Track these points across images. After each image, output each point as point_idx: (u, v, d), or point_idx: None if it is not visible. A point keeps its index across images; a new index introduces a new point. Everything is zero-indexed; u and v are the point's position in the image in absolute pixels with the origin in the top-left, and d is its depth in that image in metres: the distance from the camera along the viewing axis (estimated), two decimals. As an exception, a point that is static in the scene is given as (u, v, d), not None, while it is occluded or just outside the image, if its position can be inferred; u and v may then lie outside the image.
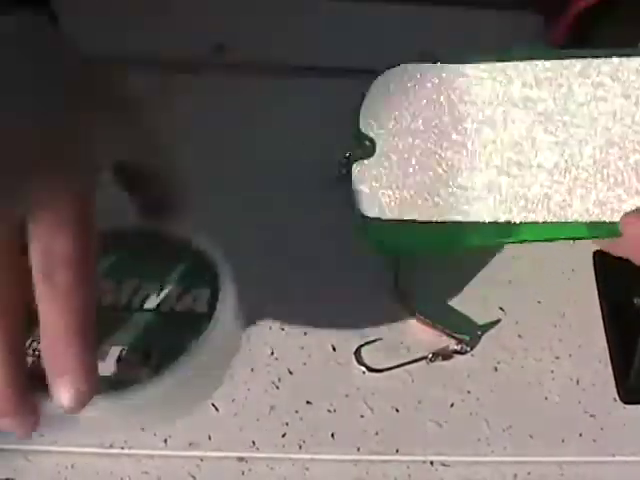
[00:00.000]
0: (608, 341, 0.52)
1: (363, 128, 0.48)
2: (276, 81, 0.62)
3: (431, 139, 0.47)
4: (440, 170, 0.47)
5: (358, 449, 0.48)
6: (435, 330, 0.52)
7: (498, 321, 0.53)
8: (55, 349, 0.36)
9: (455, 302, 0.54)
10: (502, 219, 0.47)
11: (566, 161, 0.46)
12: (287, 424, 0.49)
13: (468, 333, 0.52)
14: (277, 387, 0.50)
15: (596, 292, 0.54)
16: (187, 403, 0.43)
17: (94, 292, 0.37)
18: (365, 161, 0.47)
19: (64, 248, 0.36)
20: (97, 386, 0.37)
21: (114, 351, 0.41)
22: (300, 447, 0.48)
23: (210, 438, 0.48)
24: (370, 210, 0.47)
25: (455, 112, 0.47)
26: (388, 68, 0.48)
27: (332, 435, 0.49)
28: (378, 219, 0.47)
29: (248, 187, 0.56)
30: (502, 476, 0.48)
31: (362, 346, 0.51)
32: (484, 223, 0.47)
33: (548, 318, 0.53)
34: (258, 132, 0.59)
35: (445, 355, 0.52)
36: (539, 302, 0.54)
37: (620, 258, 0.48)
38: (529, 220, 0.46)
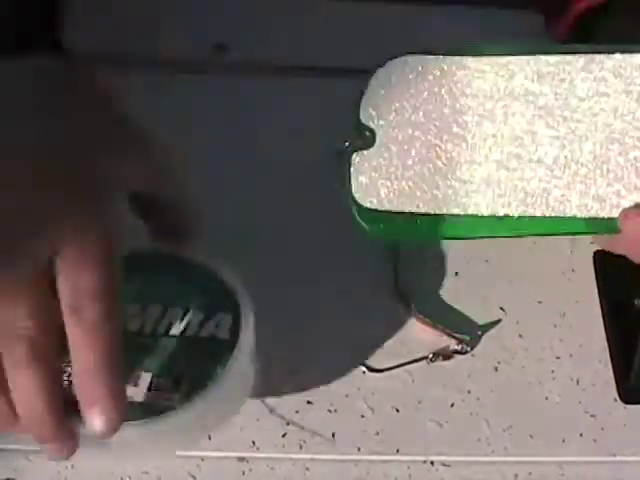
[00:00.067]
0: (608, 341, 0.52)
1: (364, 119, 0.47)
2: (276, 81, 0.62)
3: (431, 131, 0.47)
4: (439, 162, 0.47)
5: (358, 449, 0.48)
6: (435, 330, 0.52)
7: (498, 321, 0.53)
8: (86, 379, 0.38)
9: (455, 302, 0.54)
10: (501, 213, 0.47)
11: (566, 156, 0.46)
12: (287, 424, 0.49)
13: (468, 333, 0.52)
14: (277, 387, 0.50)
15: (596, 292, 0.54)
16: (214, 425, 0.45)
17: (121, 322, 0.39)
18: (365, 152, 0.47)
19: (90, 283, 0.38)
20: (126, 411, 0.39)
21: (145, 377, 0.43)
22: (300, 447, 0.48)
23: (210, 438, 0.48)
24: (368, 200, 0.47)
25: (456, 105, 0.47)
26: (390, 59, 0.48)
27: (332, 435, 0.49)
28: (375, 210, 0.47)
29: (248, 187, 0.56)
30: (502, 476, 0.48)
31: (362, 346, 0.51)
32: (482, 216, 0.47)
33: (549, 318, 0.53)
34: (258, 132, 0.59)
35: (445, 355, 0.52)
36: (540, 302, 0.54)
37: (619, 256, 0.48)
38: (527, 214, 0.46)
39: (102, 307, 0.38)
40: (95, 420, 0.38)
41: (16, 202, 0.38)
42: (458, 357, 0.52)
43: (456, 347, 0.52)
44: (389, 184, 0.47)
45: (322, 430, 0.49)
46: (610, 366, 0.52)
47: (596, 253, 0.55)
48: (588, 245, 0.55)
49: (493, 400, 0.50)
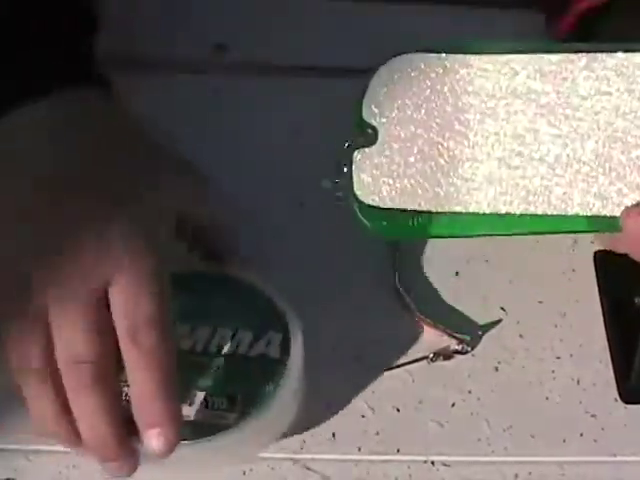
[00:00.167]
0: (609, 341, 0.52)
1: (366, 116, 0.47)
2: (276, 81, 0.62)
3: (433, 129, 0.47)
4: (441, 160, 0.47)
5: (359, 449, 0.48)
6: (436, 330, 0.52)
7: (499, 321, 0.53)
8: (144, 402, 0.40)
9: (455, 302, 0.54)
10: (502, 211, 0.47)
11: (568, 154, 0.46)
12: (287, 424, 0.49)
13: (469, 333, 0.52)
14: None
15: (597, 292, 0.54)
16: (267, 442, 0.46)
17: (175, 346, 0.41)
18: (367, 149, 0.47)
19: (145, 310, 0.40)
20: (181, 431, 0.41)
21: (199, 396, 0.44)
22: (300, 447, 0.48)
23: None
24: (370, 198, 0.47)
25: (458, 103, 0.47)
26: (392, 57, 0.48)
27: (333, 435, 0.49)
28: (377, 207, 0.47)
29: (248, 187, 0.56)
30: (503, 476, 0.48)
31: (362, 346, 0.51)
32: (484, 214, 0.47)
33: (549, 318, 0.53)
34: (258, 132, 0.59)
35: (446, 355, 0.52)
36: (540, 302, 0.54)
37: (621, 255, 0.48)
38: (529, 212, 0.46)
39: (157, 332, 0.39)
40: (153, 441, 0.40)
41: (80, 234, 0.40)
42: (458, 357, 0.52)
43: (456, 347, 0.52)
44: (391, 182, 0.47)
45: (322, 430, 0.49)
46: (611, 366, 0.51)
47: (597, 253, 0.55)
48: (589, 245, 0.55)
49: (493, 400, 0.50)
